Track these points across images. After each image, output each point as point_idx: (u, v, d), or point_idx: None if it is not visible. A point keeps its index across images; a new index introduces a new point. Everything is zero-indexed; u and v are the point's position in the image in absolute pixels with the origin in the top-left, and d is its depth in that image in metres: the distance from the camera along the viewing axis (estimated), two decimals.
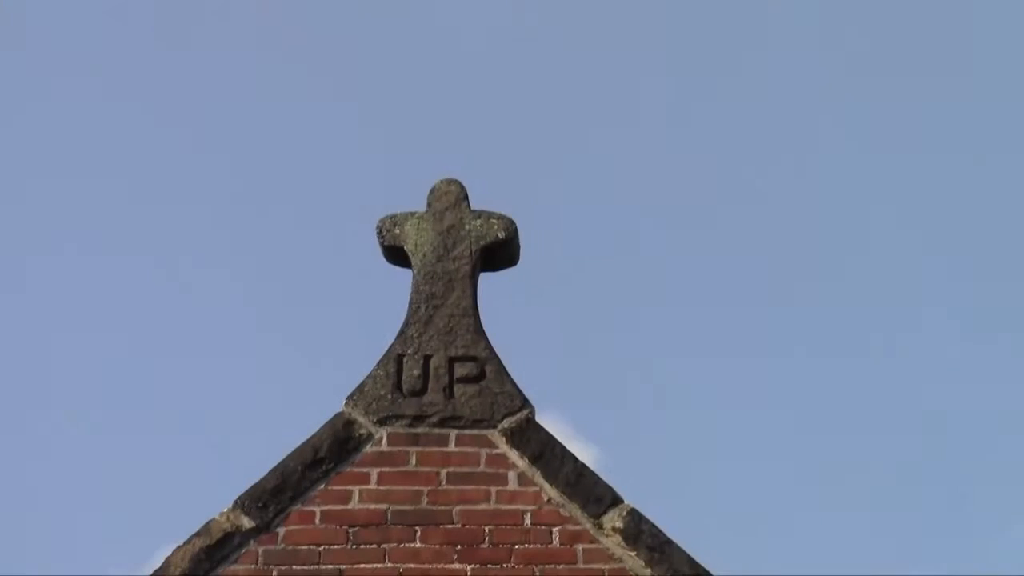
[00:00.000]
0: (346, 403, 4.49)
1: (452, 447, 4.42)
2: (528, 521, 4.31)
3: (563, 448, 4.44)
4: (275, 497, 4.32)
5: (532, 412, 4.50)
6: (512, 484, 4.36)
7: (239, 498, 4.32)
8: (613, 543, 4.27)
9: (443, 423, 4.46)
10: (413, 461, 4.41)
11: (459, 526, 4.28)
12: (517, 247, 4.87)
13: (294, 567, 4.23)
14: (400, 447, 4.44)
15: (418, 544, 4.24)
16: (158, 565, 4.30)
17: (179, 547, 4.25)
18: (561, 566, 4.23)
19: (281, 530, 4.29)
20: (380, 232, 4.80)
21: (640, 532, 4.28)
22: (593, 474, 4.42)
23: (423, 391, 4.50)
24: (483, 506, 4.35)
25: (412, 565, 4.22)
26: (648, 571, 4.21)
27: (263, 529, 4.30)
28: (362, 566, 4.23)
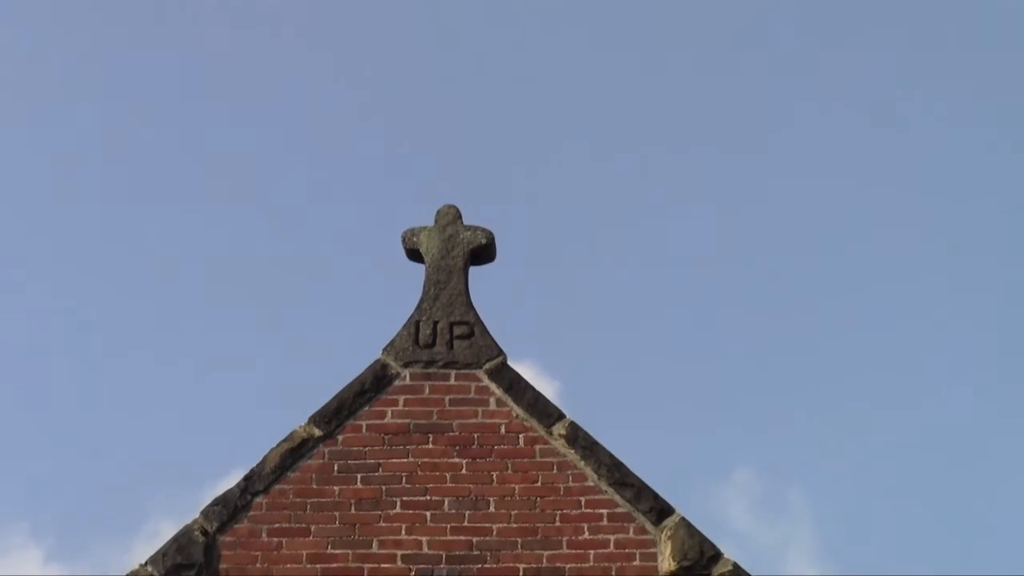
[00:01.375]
0: (382, 353, 6.62)
1: (452, 382, 6.55)
2: (503, 430, 6.45)
3: (526, 382, 6.57)
4: (336, 415, 6.45)
5: (505, 358, 6.62)
6: (492, 406, 6.49)
7: (312, 416, 6.46)
8: (559, 444, 6.40)
9: (446, 366, 6.58)
10: (427, 391, 6.54)
11: (457, 434, 6.41)
12: (494, 249, 7.00)
13: (348, 462, 6.37)
14: (418, 382, 6.57)
15: (430, 445, 6.39)
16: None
17: (273, 448, 6.40)
18: (525, 460, 6.36)
19: (340, 437, 6.43)
20: (403, 240, 6.92)
21: (577, 436, 6.41)
22: (546, 399, 6.55)
23: (433, 344, 6.63)
24: (473, 420, 6.48)
25: (426, 460, 6.36)
26: (582, 463, 6.34)
27: (328, 437, 6.43)
28: (393, 461, 6.37)
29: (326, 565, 6.08)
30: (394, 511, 6.22)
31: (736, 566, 6.08)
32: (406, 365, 6.57)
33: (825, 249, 23.30)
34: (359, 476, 6.32)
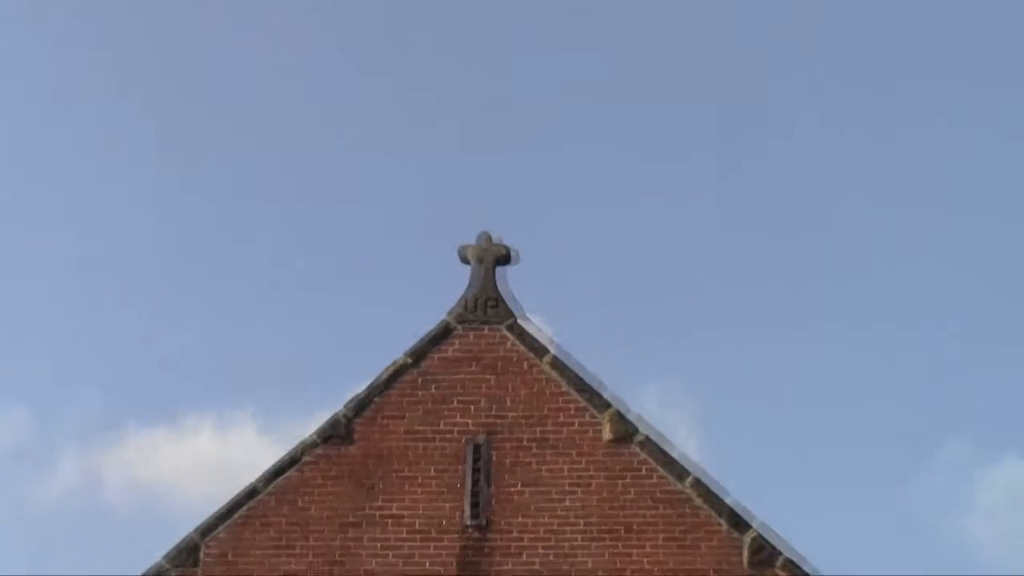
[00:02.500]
0: (447, 315, 11.46)
1: (485, 332, 11.38)
2: (514, 358, 11.26)
3: (525, 331, 11.39)
4: (426, 348, 11.30)
5: (515, 320, 11.41)
6: (508, 345, 11.32)
7: (406, 352, 11.31)
8: (547, 367, 11.19)
9: (484, 323, 11.42)
10: (471, 338, 11.37)
11: (487, 360, 11.25)
12: (511, 255, 11.81)
13: (428, 379, 11.19)
14: (469, 333, 11.40)
15: (473, 367, 11.22)
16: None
17: (385, 368, 11.22)
18: (525, 370, 11.16)
19: (424, 363, 11.26)
20: (459, 252, 11.76)
21: (566, 369, 11.21)
22: (535, 338, 11.37)
23: (475, 311, 11.46)
24: (506, 355, 11.29)
25: (470, 375, 11.19)
26: (554, 373, 11.11)
27: (415, 364, 11.27)
28: (455, 376, 11.19)
29: (422, 428, 10.97)
30: (452, 405, 11.09)
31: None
32: (460, 323, 11.42)
33: None
34: (434, 384, 11.20)
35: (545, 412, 11.05)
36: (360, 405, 11.18)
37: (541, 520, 10.78)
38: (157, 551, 10.86)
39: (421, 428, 11.03)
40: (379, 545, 10.73)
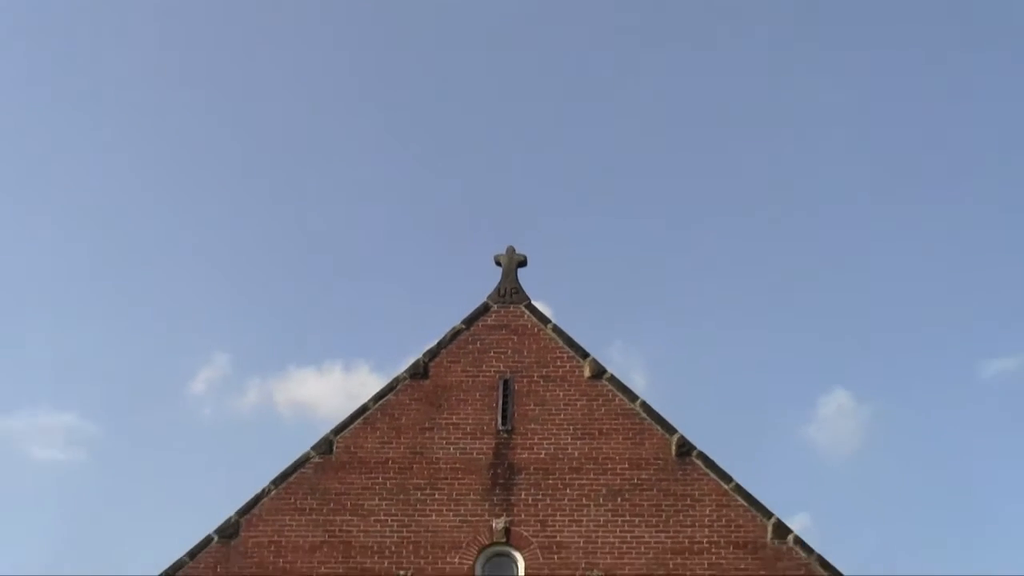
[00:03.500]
0: (487, 298, 18.09)
1: (510, 309, 18.02)
2: (529, 325, 17.90)
3: (538, 310, 17.99)
4: (473, 318, 18.00)
5: (529, 301, 17.99)
6: (524, 319, 17.94)
7: (462, 320, 17.93)
8: (549, 331, 17.80)
9: (510, 303, 18.06)
10: (502, 313, 18.02)
11: (511, 327, 17.89)
12: (526, 260, 18.44)
13: (475, 337, 17.83)
14: (501, 309, 18.04)
15: (503, 331, 17.88)
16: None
17: (447, 333, 17.83)
18: (536, 335, 17.76)
19: (473, 328, 17.90)
20: (495, 259, 18.41)
21: (560, 332, 17.82)
22: (541, 311, 17.97)
23: (504, 295, 18.10)
24: (523, 324, 17.93)
25: (500, 336, 17.81)
26: (554, 335, 17.71)
27: (468, 327, 17.92)
28: (491, 336, 17.81)
29: (471, 368, 17.55)
30: (490, 355, 17.70)
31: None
32: (495, 303, 18.07)
33: None
34: (479, 341, 17.83)
35: (547, 359, 17.67)
36: (432, 354, 17.82)
37: (545, 427, 17.37)
38: (306, 445, 17.49)
39: (471, 369, 17.64)
40: (444, 442, 17.32)
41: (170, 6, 54.60)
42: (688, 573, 16.57)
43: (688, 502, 16.96)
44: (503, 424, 17.35)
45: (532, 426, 17.37)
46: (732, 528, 16.79)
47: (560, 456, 17.17)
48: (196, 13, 55.04)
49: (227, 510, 17.23)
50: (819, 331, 52.47)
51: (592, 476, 17.09)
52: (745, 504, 16.91)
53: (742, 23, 55.60)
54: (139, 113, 60.42)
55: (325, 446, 17.48)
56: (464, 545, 16.80)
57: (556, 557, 16.69)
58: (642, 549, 16.70)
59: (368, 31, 60.65)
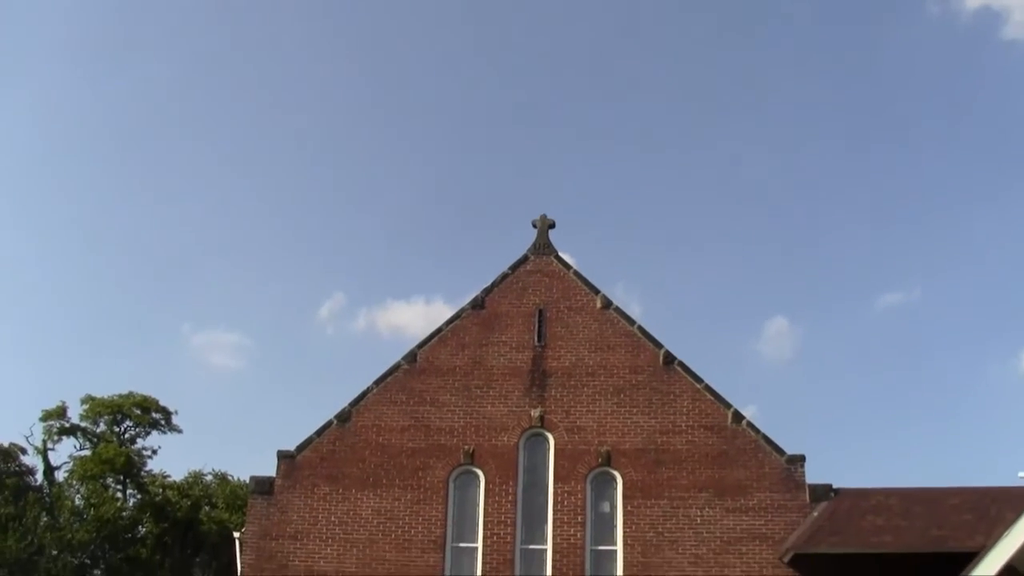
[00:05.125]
0: (527, 251, 24.82)
1: (543, 259, 24.77)
2: (557, 269, 24.61)
3: (562, 258, 24.67)
4: (517, 265, 24.78)
5: (556, 253, 24.67)
6: (554, 264, 24.66)
7: (509, 267, 24.65)
8: (572, 275, 24.50)
9: (543, 255, 24.77)
10: (538, 262, 24.74)
11: (546, 273, 24.63)
12: (554, 223, 25.10)
13: (517, 279, 24.58)
14: (537, 259, 24.75)
15: (538, 275, 24.62)
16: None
17: (498, 277, 24.57)
18: (562, 277, 24.44)
19: (516, 272, 24.66)
20: (532, 222, 25.08)
21: (579, 275, 24.51)
22: (569, 265, 24.65)
23: (539, 249, 24.78)
24: (552, 269, 24.67)
25: (534, 278, 24.52)
26: (575, 277, 24.41)
27: (513, 272, 24.63)
28: (529, 279, 24.55)
29: (515, 302, 24.28)
30: (529, 291, 24.45)
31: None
32: (532, 255, 24.81)
33: None
34: (520, 282, 24.59)
35: (571, 295, 24.31)
36: (487, 290, 24.55)
37: (569, 343, 24.04)
38: (398, 356, 24.40)
39: (515, 302, 24.32)
40: (496, 354, 24.05)
41: None
42: (671, 447, 23.16)
43: (671, 397, 23.55)
44: (538, 341, 24.07)
45: (559, 343, 24.06)
46: (702, 415, 23.37)
47: (579, 364, 23.85)
48: None
49: (342, 402, 24.13)
50: (766, 273, 68.43)
51: (603, 379, 23.72)
52: (712, 399, 23.48)
53: None
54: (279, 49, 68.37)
55: (411, 357, 24.29)
56: (511, 428, 23.51)
57: (577, 436, 23.35)
58: (638, 431, 23.32)
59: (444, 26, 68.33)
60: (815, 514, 22.40)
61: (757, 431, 23.19)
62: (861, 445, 67.16)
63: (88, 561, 38.32)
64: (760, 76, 79.26)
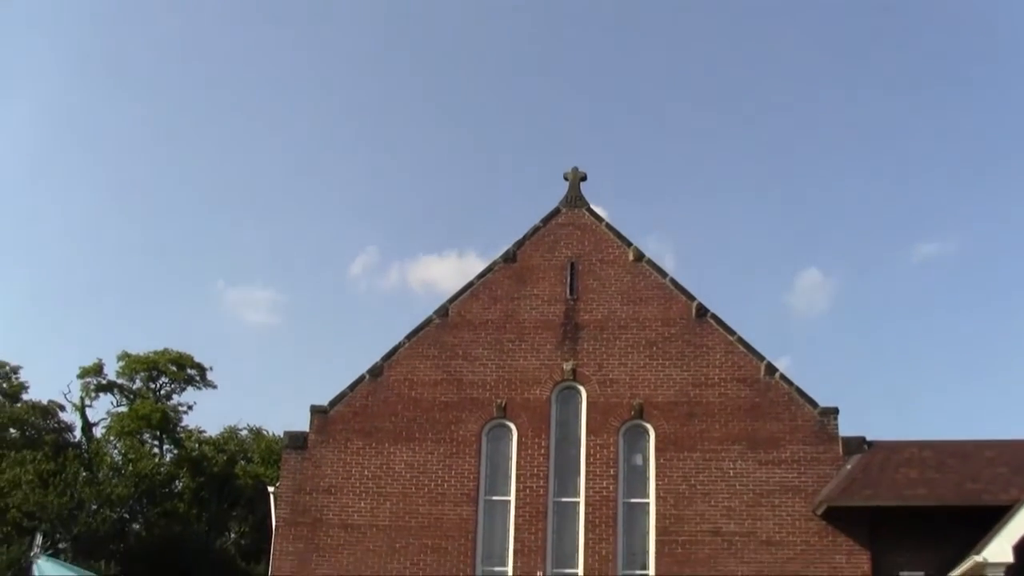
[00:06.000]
0: (558, 204, 24.70)
1: (574, 211, 24.64)
2: (588, 222, 24.48)
3: (593, 209, 24.55)
4: (549, 218, 24.68)
5: (588, 205, 24.52)
6: (586, 217, 24.55)
7: (541, 219, 24.56)
8: (604, 227, 24.39)
9: (575, 207, 24.63)
10: (570, 214, 24.62)
11: (578, 225, 24.52)
12: (585, 176, 24.98)
13: (550, 231, 24.52)
14: (569, 211, 24.65)
15: (570, 228, 24.52)
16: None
17: (529, 229, 24.49)
18: (595, 231, 24.33)
19: (549, 224, 24.58)
20: (564, 175, 24.92)
21: (611, 227, 24.39)
22: (600, 216, 24.53)
23: (570, 201, 24.66)
24: (584, 222, 24.55)
25: (566, 230, 24.43)
26: (607, 229, 24.29)
27: (545, 224, 24.58)
28: (562, 231, 24.46)
29: (547, 254, 24.22)
30: (561, 244, 24.35)
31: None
32: (564, 207, 24.69)
33: None
34: (553, 235, 24.50)
35: (603, 247, 24.19)
36: (519, 244, 24.51)
37: (601, 296, 23.97)
38: (430, 310, 24.42)
39: (546, 255, 24.24)
40: (528, 307, 24.03)
41: None
42: (704, 400, 23.11)
43: (704, 350, 23.47)
44: (570, 294, 24.01)
45: (591, 296, 23.99)
46: (735, 368, 23.30)
47: (612, 317, 23.78)
48: None
49: (375, 357, 24.19)
50: (799, 224, 68.14)
51: (635, 331, 23.66)
52: (744, 351, 23.39)
53: None
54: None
55: (443, 311, 24.30)
56: (543, 381, 23.52)
57: (609, 390, 23.34)
58: (670, 384, 23.27)
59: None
60: (848, 467, 22.30)
61: (790, 383, 23.09)
62: (896, 399, 66.86)
63: (127, 515, 38.74)
64: (793, 21, 78.32)
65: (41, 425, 43.54)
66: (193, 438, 47.27)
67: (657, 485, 22.55)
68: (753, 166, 77.09)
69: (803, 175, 76.24)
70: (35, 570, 8.29)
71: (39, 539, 7.73)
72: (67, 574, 8.11)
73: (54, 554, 30.20)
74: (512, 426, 23.23)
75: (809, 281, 75.96)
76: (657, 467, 22.68)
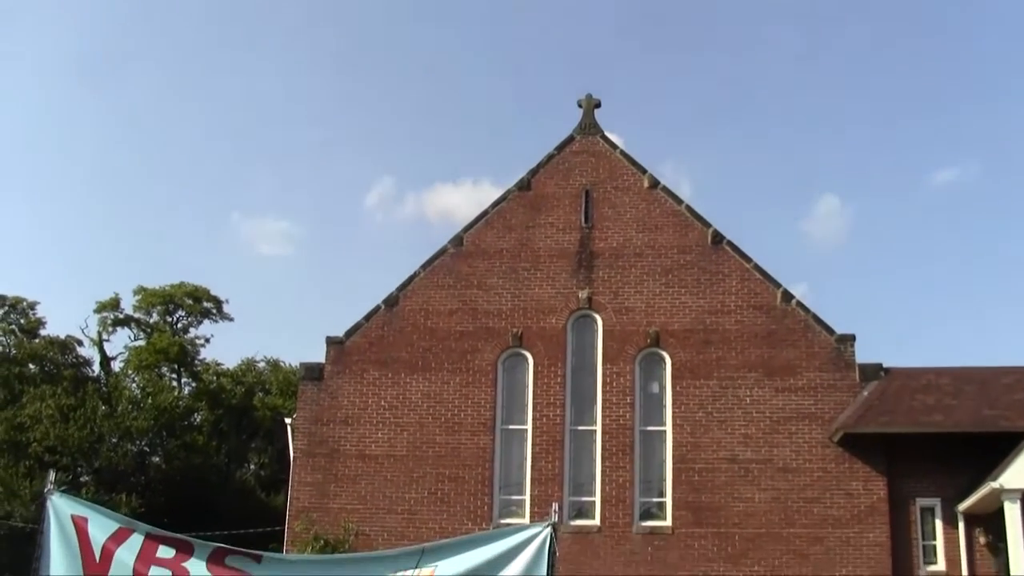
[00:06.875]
0: (572, 131, 24.40)
1: (589, 138, 24.33)
2: (604, 149, 24.25)
3: (607, 136, 24.30)
4: (563, 145, 24.41)
5: (603, 132, 24.28)
6: (600, 144, 24.28)
7: (555, 147, 24.33)
8: (619, 154, 24.15)
9: (589, 134, 24.35)
10: (584, 142, 24.36)
11: (592, 153, 24.28)
12: (599, 102, 24.67)
13: (564, 159, 24.27)
14: (583, 139, 24.38)
15: (584, 155, 24.27)
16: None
17: (547, 154, 24.27)
18: (610, 158, 24.10)
19: (563, 152, 24.29)
20: (578, 102, 24.61)
21: (626, 155, 24.17)
22: (615, 144, 24.28)
23: (584, 128, 24.38)
24: (599, 149, 24.29)
25: (582, 158, 24.18)
26: (621, 156, 24.06)
27: (559, 152, 24.31)
28: (575, 159, 24.23)
29: (562, 182, 24.04)
30: (575, 172, 24.13)
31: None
32: (578, 134, 24.39)
33: None
34: (567, 163, 24.26)
35: (617, 175, 23.97)
36: (534, 171, 24.30)
37: (616, 224, 23.80)
38: (445, 239, 24.28)
39: (562, 181, 24.06)
40: (543, 236, 23.87)
41: None
42: (720, 327, 23.05)
43: (720, 277, 23.36)
44: (585, 222, 23.86)
45: (606, 223, 23.84)
46: (751, 295, 23.20)
47: (627, 245, 23.64)
48: None
49: (390, 287, 24.14)
50: (816, 150, 67.96)
51: (650, 259, 23.53)
52: (761, 278, 23.27)
53: None
54: None
55: (458, 240, 24.19)
56: (558, 310, 23.47)
57: (625, 318, 23.28)
58: (687, 311, 23.21)
59: None
60: (865, 393, 22.26)
61: (807, 310, 22.99)
62: (914, 327, 66.67)
63: (147, 448, 38.99)
64: None
65: (60, 360, 43.73)
66: (211, 371, 47.43)
67: (674, 413, 22.56)
68: (770, 91, 76.16)
69: (820, 100, 75.32)
70: (49, 507, 8.24)
71: (52, 476, 7.71)
72: (82, 510, 8.07)
73: (75, 488, 30.47)
74: (528, 355, 23.21)
75: (826, 208, 75.38)
76: (673, 395, 22.67)
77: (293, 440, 23.57)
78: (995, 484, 19.40)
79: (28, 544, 8.25)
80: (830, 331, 22.75)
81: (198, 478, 36.20)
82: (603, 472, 22.38)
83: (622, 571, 21.71)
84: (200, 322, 49.12)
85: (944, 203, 73.33)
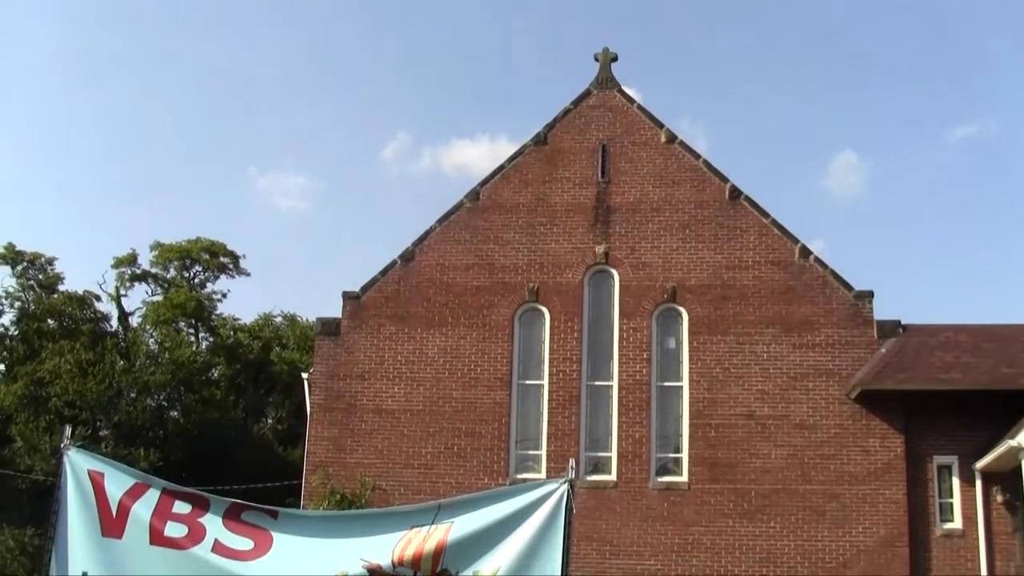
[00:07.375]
0: (589, 85, 24.22)
1: (606, 92, 24.14)
2: (620, 105, 24.03)
3: (624, 91, 24.09)
4: (580, 99, 24.17)
5: (620, 87, 24.06)
6: (617, 98, 24.08)
7: (572, 101, 24.15)
8: (636, 109, 23.95)
9: (606, 89, 24.16)
10: (601, 96, 24.15)
11: (609, 107, 24.07)
12: (616, 56, 24.42)
13: (581, 113, 24.08)
14: (600, 93, 24.19)
15: (601, 110, 24.05)
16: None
17: (563, 109, 24.10)
18: (627, 113, 23.91)
19: (580, 106, 24.12)
20: (595, 56, 24.37)
21: (643, 109, 23.96)
22: (632, 98, 24.09)
23: (602, 83, 24.17)
24: (616, 104, 24.09)
25: (600, 112, 24.01)
26: (638, 111, 23.86)
27: (576, 106, 24.14)
28: (593, 113, 24.03)
29: (579, 136, 23.86)
30: (592, 126, 23.95)
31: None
32: (595, 88, 24.20)
33: None
34: (583, 117, 24.06)
35: (634, 129, 23.80)
36: (550, 126, 24.14)
37: (633, 178, 23.65)
38: (461, 194, 24.19)
39: (578, 136, 23.89)
40: (559, 190, 23.76)
41: None
42: (737, 283, 22.95)
43: (737, 232, 23.22)
44: (602, 177, 23.71)
45: (623, 178, 23.69)
46: (769, 251, 23.06)
47: (644, 200, 23.51)
48: None
49: (406, 241, 24.09)
50: (834, 105, 67.64)
51: (668, 214, 23.40)
52: (779, 233, 23.12)
53: None
54: None
55: (474, 195, 24.08)
56: (575, 265, 23.38)
57: (642, 273, 23.19)
58: (704, 266, 23.09)
59: None
60: (882, 350, 22.16)
61: (825, 266, 22.87)
62: (932, 284, 66.42)
63: (165, 403, 39.17)
64: None
65: (78, 315, 43.84)
66: (228, 326, 47.55)
67: (690, 368, 22.52)
68: (787, 46, 75.59)
69: (839, 55, 74.64)
70: (66, 462, 8.25)
71: (68, 431, 7.71)
72: (99, 466, 8.07)
73: (95, 442, 30.65)
74: (544, 310, 23.17)
75: (844, 163, 74.96)
76: (690, 350, 22.62)
77: (310, 395, 23.63)
78: (1013, 442, 19.33)
79: (49, 497, 8.28)
80: (848, 287, 22.63)
81: (216, 433, 36.36)
82: (619, 428, 22.38)
83: (638, 526, 21.75)
84: (217, 277, 49.22)
85: (962, 160, 72.89)
